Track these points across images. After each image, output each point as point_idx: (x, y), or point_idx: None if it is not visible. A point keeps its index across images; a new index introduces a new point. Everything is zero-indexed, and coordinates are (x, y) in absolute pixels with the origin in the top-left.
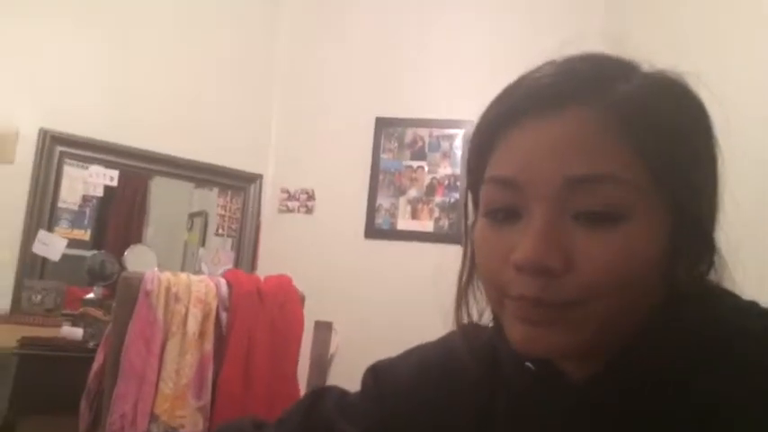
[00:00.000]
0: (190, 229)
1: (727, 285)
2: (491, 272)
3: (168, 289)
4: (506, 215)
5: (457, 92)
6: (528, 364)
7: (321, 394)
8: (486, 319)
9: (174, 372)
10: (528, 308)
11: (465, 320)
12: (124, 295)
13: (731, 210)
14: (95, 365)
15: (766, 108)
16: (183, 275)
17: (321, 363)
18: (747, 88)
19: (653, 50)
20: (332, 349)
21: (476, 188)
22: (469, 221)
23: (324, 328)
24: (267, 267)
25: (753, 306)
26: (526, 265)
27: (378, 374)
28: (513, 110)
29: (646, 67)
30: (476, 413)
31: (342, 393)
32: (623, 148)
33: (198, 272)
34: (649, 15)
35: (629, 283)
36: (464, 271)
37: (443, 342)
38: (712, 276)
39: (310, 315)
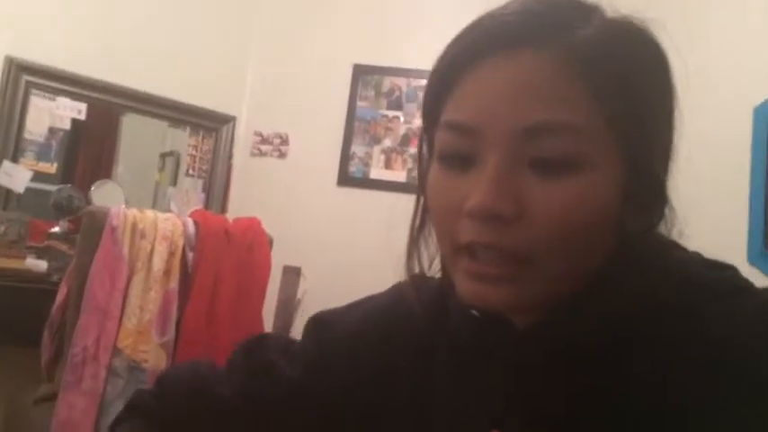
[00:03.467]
0: (161, 168)
1: (677, 237)
2: (444, 221)
3: (134, 225)
4: (460, 162)
5: (437, 42)
6: (474, 311)
7: (264, 337)
8: (436, 267)
9: (137, 307)
10: (480, 263)
11: (416, 270)
12: (89, 229)
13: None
14: (59, 298)
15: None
16: (150, 212)
17: (288, 306)
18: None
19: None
20: (299, 294)
21: (431, 132)
22: (424, 166)
23: (292, 273)
24: (238, 210)
25: (696, 256)
26: (478, 212)
27: (319, 323)
28: (469, 51)
29: (609, 11)
30: (418, 358)
31: (284, 338)
32: (579, 93)
33: (167, 211)
34: None
35: (582, 234)
36: (416, 218)
37: (391, 291)
38: (662, 228)
39: (279, 260)
